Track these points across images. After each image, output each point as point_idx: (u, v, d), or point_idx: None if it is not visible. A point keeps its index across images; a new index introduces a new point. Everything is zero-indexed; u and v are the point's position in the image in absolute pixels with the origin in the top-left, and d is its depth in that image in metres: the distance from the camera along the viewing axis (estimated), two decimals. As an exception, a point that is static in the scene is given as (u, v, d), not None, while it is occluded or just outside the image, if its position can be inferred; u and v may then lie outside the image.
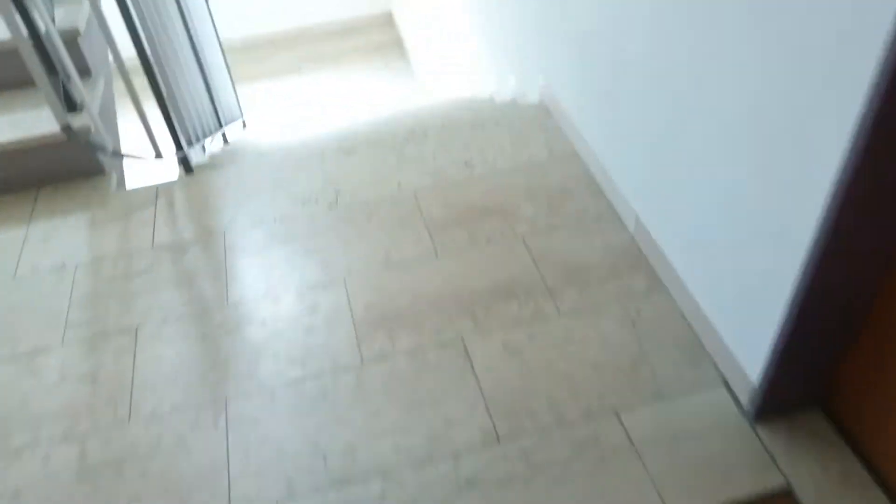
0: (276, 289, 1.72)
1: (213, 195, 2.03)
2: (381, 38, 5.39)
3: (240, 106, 4.19)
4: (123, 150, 2.08)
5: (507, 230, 1.79)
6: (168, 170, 2.25)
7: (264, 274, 1.76)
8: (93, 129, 2.01)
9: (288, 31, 5.47)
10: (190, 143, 2.38)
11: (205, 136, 2.76)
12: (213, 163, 2.44)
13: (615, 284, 1.63)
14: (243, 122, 4.16)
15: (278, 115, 4.73)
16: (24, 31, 1.89)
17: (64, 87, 2.05)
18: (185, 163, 2.16)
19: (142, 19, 2.32)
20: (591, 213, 1.81)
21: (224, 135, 3.23)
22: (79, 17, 2.18)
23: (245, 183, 2.05)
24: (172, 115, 2.14)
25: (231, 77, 4.15)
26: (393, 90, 4.87)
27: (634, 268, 1.65)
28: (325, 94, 4.89)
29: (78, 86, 1.99)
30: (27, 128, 2.05)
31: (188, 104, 2.56)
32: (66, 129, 1.98)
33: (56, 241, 1.93)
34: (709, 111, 1.26)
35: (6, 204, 2.08)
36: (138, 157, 2.06)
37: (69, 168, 2.12)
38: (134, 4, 2.19)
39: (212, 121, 3.07)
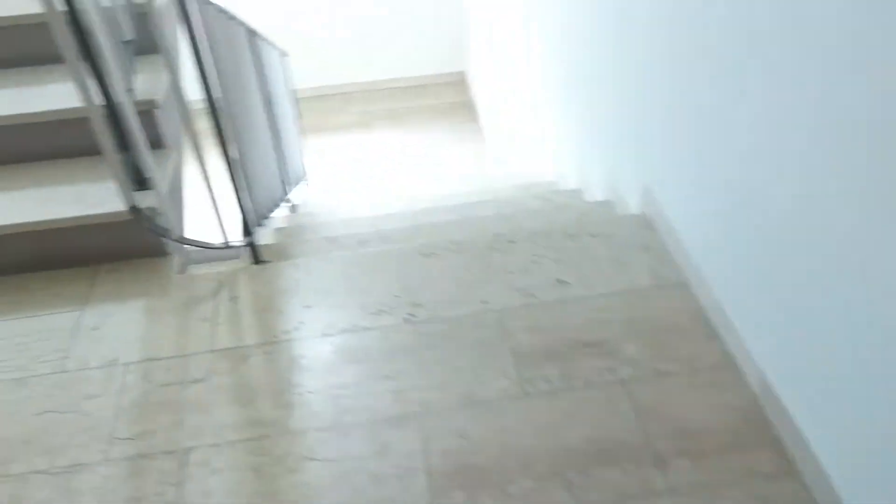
0: (344, 419, 1.53)
1: (280, 292, 1.86)
2: (453, 98, 5.29)
3: (305, 166, 4.10)
4: (189, 236, 1.95)
5: (606, 372, 1.58)
6: (234, 252, 2.10)
7: (332, 399, 1.58)
8: (160, 212, 1.87)
9: (360, 85, 5.42)
10: (259, 223, 2.24)
11: (273, 210, 2.63)
12: (281, 243, 2.29)
13: (736, 459, 1.39)
14: (306, 181, 4.06)
15: (344, 173, 4.63)
16: (97, 99, 1.76)
17: (133, 160, 1.93)
18: (252, 249, 2.01)
19: (222, 82, 2.19)
20: (705, 361, 1.58)
21: (289, 199, 3.11)
22: (158, 87, 2.07)
23: (315, 281, 1.89)
24: (244, 196, 2.00)
25: (301, 137, 4.07)
26: (461, 154, 4.74)
27: (759, 440, 1.42)
28: (392, 153, 4.79)
29: (149, 163, 1.87)
30: (91, 203, 1.93)
31: (260, 179, 2.44)
32: (133, 209, 1.85)
33: (109, 330, 1.79)
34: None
35: (63, 281, 1.95)
36: (205, 246, 1.93)
37: (131, 246, 1.99)
38: (215, 65, 2.06)
39: (280, 189, 2.95)
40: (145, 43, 2.19)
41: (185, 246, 1.97)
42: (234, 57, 2.40)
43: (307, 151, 4.63)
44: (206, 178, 1.90)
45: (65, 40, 1.58)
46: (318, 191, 4.07)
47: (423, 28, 5.22)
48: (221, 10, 2.12)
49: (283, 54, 3.61)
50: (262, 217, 2.40)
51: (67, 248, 1.97)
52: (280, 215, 2.89)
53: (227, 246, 1.97)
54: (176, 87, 1.96)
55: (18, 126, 2.04)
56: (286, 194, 3.09)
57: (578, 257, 1.89)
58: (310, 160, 4.63)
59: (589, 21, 2.35)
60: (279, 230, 2.57)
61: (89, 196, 1.96)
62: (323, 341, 1.72)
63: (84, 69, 1.64)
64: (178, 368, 1.67)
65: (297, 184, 3.61)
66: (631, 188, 2.13)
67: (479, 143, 4.83)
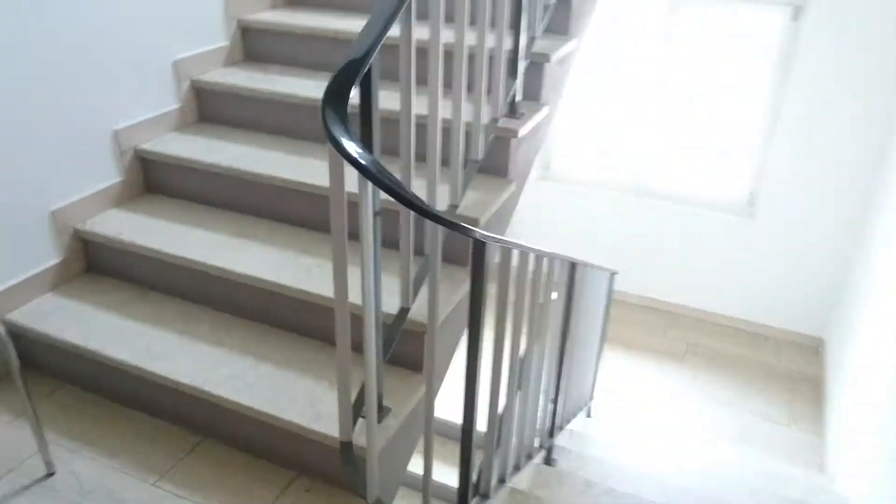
0: None
1: None
2: (797, 366, 4.38)
3: (594, 389, 3.62)
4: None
5: None
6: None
7: None
8: (370, 463, 1.56)
9: (690, 310, 4.82)
10: (487, 495, 1.82)
11: (524, 460, 2.20)
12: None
13: None
14: (588, 411, 3.57)
15: (636, 408, 4.00)
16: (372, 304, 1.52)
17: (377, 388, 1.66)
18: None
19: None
20: None
21: (548, 450, 2.64)
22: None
23: None
24: (479, 458, 1.61)
25: (601, 355, 3.62)
26: (784, 444, 3.80)
27: None
28: (701, 406, 4.04)
29: (374, 403, 1.58)
30: (316, 414, 1.70)
31: (522, 426, 2.03)
32: (344, 447, 1.57)
33: (259, 575, 1.50)
34: None
35: (258, 476, 1.75)
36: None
37: (335, 470, 1.71)
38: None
39: (545, 427, 2.51)
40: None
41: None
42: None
43: (602, 368, 4.14)
44: (429, 445, 1.54)
45: (339, 247, 1.37)
46: (595, 430, 3.53)
47: (784, 273, 4.47)
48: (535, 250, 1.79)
49: (613, 273, 3.25)
50: (499, 476, 1.97)
51: (279, 443, 1.77)
52: (533, 460, 2.44)
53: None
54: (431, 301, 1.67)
55: (288, 298, 1.94)
56: (552, 435, 2.63)
57: None
58: (602, 379, 4.13)
59: None
60: (513, 493, 2.12)
61: (320, 402, 1.74)
62: None
63: (371, 273, 1.42)
64: None
65: (576, 413, 3.14)
66: None
67: (811, 436, 3.84)
